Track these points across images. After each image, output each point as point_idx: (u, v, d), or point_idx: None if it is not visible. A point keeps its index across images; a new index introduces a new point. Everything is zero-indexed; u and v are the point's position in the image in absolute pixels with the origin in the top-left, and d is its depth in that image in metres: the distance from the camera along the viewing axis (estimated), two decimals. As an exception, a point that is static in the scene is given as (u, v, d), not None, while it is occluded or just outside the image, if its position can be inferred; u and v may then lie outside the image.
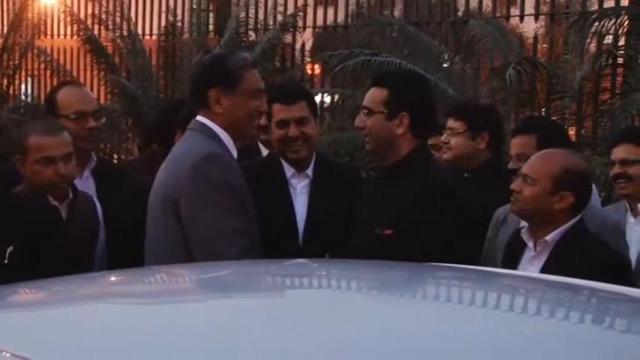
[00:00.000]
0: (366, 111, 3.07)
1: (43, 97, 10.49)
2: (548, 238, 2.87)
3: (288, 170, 3.36)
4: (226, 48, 8.08)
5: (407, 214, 2.85)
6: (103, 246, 3.34)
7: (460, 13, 7.92)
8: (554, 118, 6.51)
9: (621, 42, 6.32)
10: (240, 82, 2.87)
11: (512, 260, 2.95)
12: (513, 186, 2.94)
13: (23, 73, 10.39)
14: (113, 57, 8.82)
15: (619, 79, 6.29)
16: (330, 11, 8.66)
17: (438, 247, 2.78)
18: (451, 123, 3.67)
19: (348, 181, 3.37)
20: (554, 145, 3.22)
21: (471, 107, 4.23)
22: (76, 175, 3.20)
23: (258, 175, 3.19)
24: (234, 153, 2.92)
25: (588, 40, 6.31)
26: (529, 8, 7.28)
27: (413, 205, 2.87)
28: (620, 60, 6.19)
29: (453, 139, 3.63)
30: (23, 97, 10.71)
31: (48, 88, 10.30)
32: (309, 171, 3.38)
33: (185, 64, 8.48)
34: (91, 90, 9.05)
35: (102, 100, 8.83)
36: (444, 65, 7.29)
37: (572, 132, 6.64)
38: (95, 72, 9.04)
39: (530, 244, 2.94)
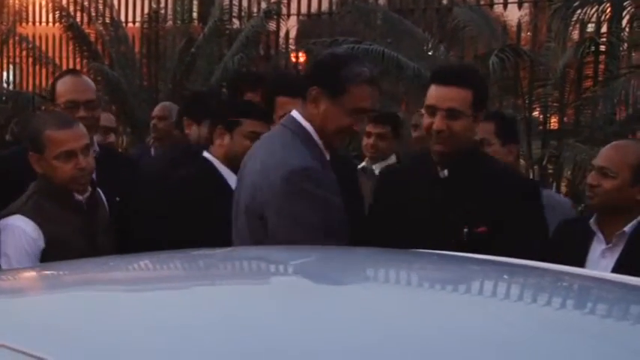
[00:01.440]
0: (445, 112, 2.74)
1: (24, 84, 10.51)
2: (627, 229, 2.86)
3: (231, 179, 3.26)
4: (210, 36, 8.15)
5: (504, 211, 2.67)
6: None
7: (445, 1, 7.97)
8: (536, 105, 6.62)
9: (604, 29, 6.43)
10: (344, 94, 2.66)
11: (579, 252, 2.89)
12: (590, 180, 2.91)
13: (5, 61, 10.40)
14: (96, 44, 8.84)
15: (601, 66, 6.39)
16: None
17: (534, 243, 2.69)
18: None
19: (348, 173, 3.32)
20: (508, 134, 3.36)
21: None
22: (93, 168, 3.10)
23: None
24: (327, 155, 2.76)
25: (571, 28, 6.40)
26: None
27: (509, 200, 2.70)
28: (602, 47, 6.29)
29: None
30: (5, 85, 10.71)
31: (29, 76, 10.33)
32: None
33: (169, 52, 8.51)
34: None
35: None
36: (429, 53, 7.37)
37: (554, 119, 6.75)
38: (77, 59, 9.06)
39: (601, 235, 2.92)
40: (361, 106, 2.70)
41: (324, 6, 8.50)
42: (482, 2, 7.63)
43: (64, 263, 2.06)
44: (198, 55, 8.09)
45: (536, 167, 6.19)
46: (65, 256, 2.45)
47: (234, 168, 3.12)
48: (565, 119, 6.63)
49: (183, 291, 1.60)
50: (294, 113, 2.75)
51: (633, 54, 6.83)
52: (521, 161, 6.22)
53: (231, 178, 3.18)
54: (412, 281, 1.80)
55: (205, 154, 3.35)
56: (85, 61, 8.78)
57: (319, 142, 2.71)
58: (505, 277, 1.81)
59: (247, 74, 5.60)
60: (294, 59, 8.82)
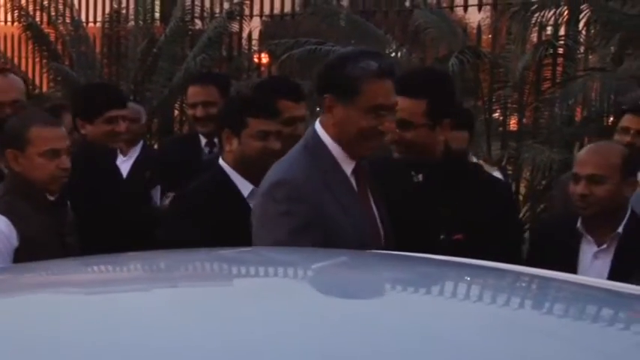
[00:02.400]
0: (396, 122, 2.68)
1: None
2: (620, 229, 2.88)
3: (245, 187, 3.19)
4: (172, 36, 8.18)
5: (481, 216, 2.69)
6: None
7: (407, 3, 8.10)
8: (496, 107, 6.77)
9: (562, 32, 6.60)
10: (358, 94, 2.50)
11: (568, 255, 2.89)
12: (581, 190, 2.88)
13: (-38, 61, 10.31)
14: (56, 44, 8.80)
15: (559, 68, 6.55)
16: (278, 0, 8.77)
17: (513, 247, 2.73)
18: None
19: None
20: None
21: None
22: (69, 169, 3.06)
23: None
24: (348, 168, 2.59)
25: (529, 31, 6.55)
26: (474, -1, 7.53)
27: (486, 206, 2.73)
28: (560, 50, 6.46)
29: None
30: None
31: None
32: None
33: (130, 52, 8.52)
34: (33, 78, 9.08)
35: (44, 89, 8.84)
36: (391, 55, 7.47)
37: (514, 121, 6.90)
38: (37, 59, 9.02)
39: (590, 238, 2.92)
40: (378, 103, 2.52)
41: (287, 7, 8.57)
42: (444, 5, 7.77)
43: (40, 264, 2.04)
44: (160, 56, 8.10)
45: (495, 168, 6.33)
46: (37, 256, 2.41)
47: (249, 173, 3.07)
48: (524, 120, 6.76)
49: (123, 294, 1.58)
50: (317, 123, 2.63)
51: (590, 56, 7.00)
52: (481, 162, 6.36)
53: (245, 186, 3.09)
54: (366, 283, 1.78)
55: (220, 161, 3.19)
56: (44, 61, 8.74)
57: (337, 153, 2.57)
58: (467, 278, 1.83)
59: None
60: (256, 60, 8.88)
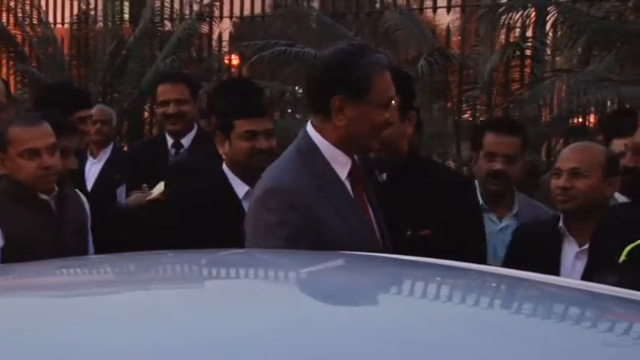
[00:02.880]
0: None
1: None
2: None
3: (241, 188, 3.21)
4: (141, 38, 8.18)
5: (447, 213, 2.72)
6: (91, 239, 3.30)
7: (377, 5, 8.17)
8: (465, 108, 6.86)
9: (530, 34, 6.70)
10: (370, 90, 2.44)
11: (551, 256, 2.92)
12: (562, 183, 2.91)
13: None
14: (23, 46, 8.76)
15: (527, 70, 6.66)
16: (248, 1, 8.80)
17: (477, 243, 2.75)
18: None
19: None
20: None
21: None
22: (61, 168, 3.08)
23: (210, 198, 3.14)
24: (343, 171, 2.53)
25: (497, 33, 6.65)
26: (442, 1, 7.61)
27: (452, 202, 2.76)
28: (527, 51, 6.56)
29: None
30: None
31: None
32: None
33: (99, 54, 8.50)
34: None
35: (12, 91, 8.78)
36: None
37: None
38: (4, 61, 8.96)
39: (572, 238, 2.94)
40: (389, 96, 2.50)
41: (257, 9, 8.61)
42: (414, 7, 7.85)
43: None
44: (130, 57, 8.09)
45: (465, 168, 6.40)
46: (28, 256, 2.36)
47: (244, 175, 3.08)
48: (493, 121, 6.85)
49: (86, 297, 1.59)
50: (309, 127, 2.54)
51: (557, 58, 7.11)
52: (451, 162, 6.44)
53: (241, 188, 3.11)
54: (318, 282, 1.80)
55: (224, 165, 3.21)
56: (11, 62, 8.70)
57: (332, 158, 2.51)
58: (437, 279, 1.83)
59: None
60: (227, 62, 8.91)
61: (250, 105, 3.29)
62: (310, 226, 2.44)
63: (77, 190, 3.20)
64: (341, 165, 2.52)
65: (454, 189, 2.89)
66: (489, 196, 3.32)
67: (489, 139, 3.28)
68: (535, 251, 2.91)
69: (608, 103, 5.45)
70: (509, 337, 1.29)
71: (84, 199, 3.22)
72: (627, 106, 5.51)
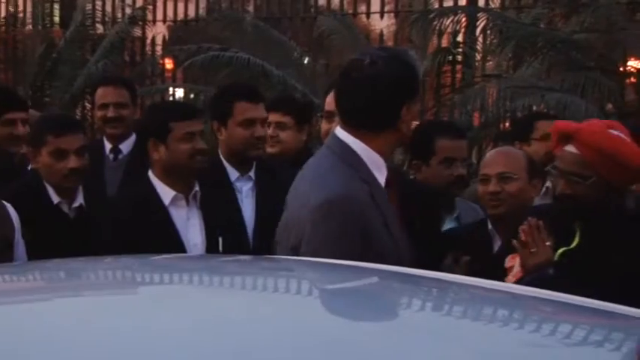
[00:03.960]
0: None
1: None
2: None
3: (233, 174, 3.29)
4: (72, 41, 8.09)
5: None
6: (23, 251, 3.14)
7: (312, 10, 8.23)
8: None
9: (461, 39, 6.85)
10: (418, 91, 2.45)
11: (485, 257, 2.91)
12: (492, 188, 2.94)
13: None
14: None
15: (458, 75, 6.80)
16: (182, 5, 8.78)
17: None
18: (278, 117, 3.80)
19: (286, 179, 3.11)
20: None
21: (295, 101, 4.41)
22: None
23: (202, 181, 3.08)
24: (382, 177, 2.37)
25: (429, 38, 6.77)
26: (377, 6, 7.73)
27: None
28: (458, 57, 6.70)
29: (281, 133, 3.85)
30: None
31: None
32: (252, 173, 3.35)
33: (28, 57, 8.38)
34: None
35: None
36: (299, 61, 7.60)
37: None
38: None
39: (500, 242, 2.97)
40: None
41: (191, 13, 8.60)
42: (348, 12, 7.94)
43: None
44: (60, 61, 8.00)
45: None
46: None
47: (176, 180, 3.03)
48: (425, 125, 6.97)
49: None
50: (340, 132, 2.38)
51: (488, 63, 7.26)
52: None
53: (166, 194, 3.02)
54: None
55: (149, 173, 3.11)
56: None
57: (373, 164, 2.35)
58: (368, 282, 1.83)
59: None
60: (161, 66, 8.87)
61: (187, 108, 3.33)
62: (370, 234, 2.33)
63: (3, 202, 3.06)
64: (379, 170, 2.37)
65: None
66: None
67: (445, 144, 3.26)
68: (467, 253, 2.93)
69: (534, 109, 5.60)
70: (432, 338, 1.31)
71: (10, 211, 3.05)
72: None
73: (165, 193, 3.04)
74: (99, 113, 4.27)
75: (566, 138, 2.50)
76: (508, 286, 1.95)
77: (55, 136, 3.07)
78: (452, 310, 1.63)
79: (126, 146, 4.11)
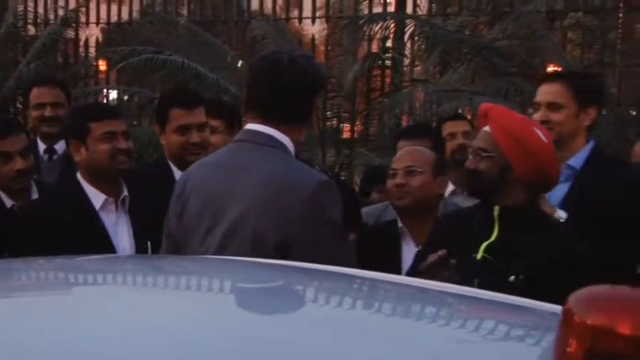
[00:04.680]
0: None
1: None
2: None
3: (177, 174, 3.18)
4: (3, 42, 7.98)
5: None
6: None
7: (245, 14, 8.30)
8: (330, 115, 7.09)
9: (390, 45, 7.00)
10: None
11: (392, 254, 3.04)
12: (398, 181, 3.05)
13: None
14: None
15: (387, 79, 6.95)
16: (116, 7, 8.75)
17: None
18: (211, 121, 3.74)
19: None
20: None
21: (224, 105, 4.42)
22: None
23: (150, 181, 3.09)
24: None
25: (359, 43, 6.92)
26: (309, 12, 7.84)
27: None
28: (387, 62, 6.86)
29: (212, 137, 3.91)
30: None
31: None
32: None
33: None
34: None
35: None
36: (232, 65, 7.65)
37: (347, 129, 7.25)
38: None
39: (409, 237, 3.06)
40: None
41: (125, 15, 8.57)
42: (281, 16, 8.04)
43: None
44: (-10, 62, 7.92)
45: (330, 174, 6.62)
46: None
47: (100, 181, 2.98)
48: (356, 128, 7.08)
49: None
50: (257, 126, 2.43)
51: (417, 67, 7.44)
52: (317, 168, 6.64)
53: (97, 198, 2.97)
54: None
55: (78, 175, 3.04)
56: None
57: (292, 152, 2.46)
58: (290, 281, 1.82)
59: None
60: (94, 67, 8.83)
61: (106, 107, 3.29)
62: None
63: None
64: None
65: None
66: None
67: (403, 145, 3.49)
68: (378, 250, 3.01)
69: (460, 111, 5.78)
70: (348, 335, 1.31)
71: None
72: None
73: (95, 196, 2.98)
74: (34, 113, 4.25)
75: (485, 116, 2.59)
76: (426, 282, 1.98)
77: None
78: (378, 308, 1.64)
79: (60, 146, 4.12)
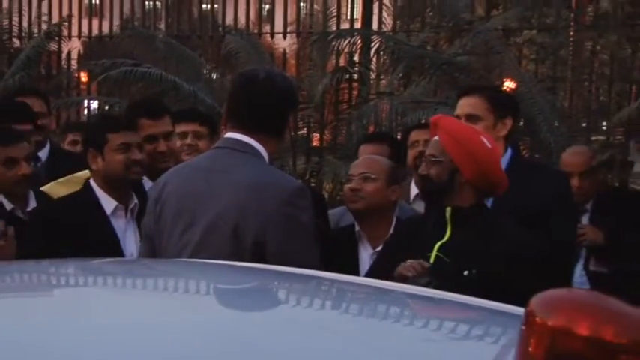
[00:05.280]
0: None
1: None
2: (392, 231, 3.04)
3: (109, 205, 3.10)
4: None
5: None
6: None
7: (220, 29, 8.29)
8: (301, 125, 7.09)
9: (357, 59, 7.02)
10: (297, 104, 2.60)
11: (350, 257, 3.07)
12: (354, 185, 3.10)
13: None
14: None
15: (355, 92, 6.97)
16: (97, 22, 8.72)
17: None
18: (195, 127, 3.73)
19: None
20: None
21: (206, 113, 4.39)
22: None
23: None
24: None
25: (328, 57, 6.93)
26: (280, 27, 7.84)
27: None
28: (355, 75, 6.87)
29: (199, 142, 3.88)
30: None
31: None
32: None
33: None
34: None
35: None
36: (207, 76, 7.63)
37: (316, 138, 7.25)
38: None
39: (366, 240, 3.10)
40: None
41: (105, 29, 8.52)
42: (254, 31, 8.03)
43: None
44: (-23, 73, 7.83)
45: (300, 181, 6.61)
46: None
47: (114, 189, 2.98)
48: (325, 138, 7.08)
49: None
50: (236, 135, 2.46)
51: (382, 81, 7.45)
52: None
53: (109, 204, 2.98)
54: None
55: (91, 182, 3.05)
56: None
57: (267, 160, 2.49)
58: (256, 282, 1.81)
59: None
60: (76, 79, 8.77)
61: (123, 120, 3.29)
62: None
63: None
64: None
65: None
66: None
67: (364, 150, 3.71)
68: (338, 252, 3.05)
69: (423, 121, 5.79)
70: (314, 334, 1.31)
71: None
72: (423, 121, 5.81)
73: (108, 202, 2.98)
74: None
75: (435, 126, 2.67)
76: (386, 283, 1.90)
77: (4, 146, 3.07)
78: (346, 308, 1.64)
79: (44, 154, 4.10)
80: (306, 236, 2.37)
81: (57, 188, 3.36)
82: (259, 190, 2.35)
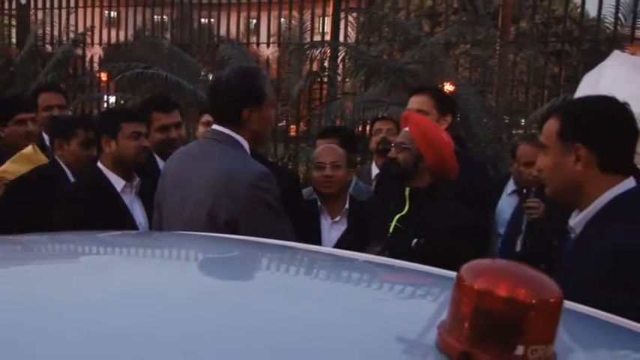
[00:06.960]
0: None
1: None
2: (347, 206, 3.06)
3: (161, 164, 3.09)
4: (26, 58, 7.78)
5: None
6: None
7: (215, 39, 8.21)
8: (281, 118, 7.04)
9: (327, 65, 6.98)
10: (265, 97, 2.36)
11: (313, 227, 3.03)
12: (328, 172, 3.05)
13: None
14: None
15: (325, 92, 6.94)
16: (115, 32, 8.62)
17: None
18: (206, 117, 3.60)
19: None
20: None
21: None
22: None
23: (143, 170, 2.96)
24: None
25: (303, 63, 6.88)
26: (265, 38, 7.77)
27: None
28: (325, 78, 6.84)
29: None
30: None
31: None
32: None
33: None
34: None
35: None
36: (202, 78, 7.56)
37: (293, 129, 7.22)
38: None
39: (326, 212, 3.07)
40: (274, 97, 2.52)
41: (122, 38, 8.43)
42: (243, 41, 7.96)
43: None
44: (17, 73, 7.70)
45: (280, 164, 6.60)
46: None
47: (123, 170, 2.91)
48: (300, 129, 7.08)
49: None
50: (223, 129, 2.36)
51: (347, 83, 7.44)
52: (270, 159, 6.61)
53: (118, 183, 2.90)
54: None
55: (98, 163, 2.94)
56: None
57: (248, 151, 2.37)
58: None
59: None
60: (97, 78, 8.67)
61: (135, 111, 3.26)
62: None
63: None
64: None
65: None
66: None
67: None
68: (304, 222, 3.00)
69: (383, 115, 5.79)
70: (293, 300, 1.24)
71: None
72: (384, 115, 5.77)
73: (116, 181, 2.89)
74: (44, 114, 4.15)
75: (406, 120, 2.70)
76: (346, 252, 1.80)
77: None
78: (315, 274, 1.57)
79: None
80: (272, 212, 2.25)
81: (12, 167, 3.24)
82: (229, 176, 2.26)
